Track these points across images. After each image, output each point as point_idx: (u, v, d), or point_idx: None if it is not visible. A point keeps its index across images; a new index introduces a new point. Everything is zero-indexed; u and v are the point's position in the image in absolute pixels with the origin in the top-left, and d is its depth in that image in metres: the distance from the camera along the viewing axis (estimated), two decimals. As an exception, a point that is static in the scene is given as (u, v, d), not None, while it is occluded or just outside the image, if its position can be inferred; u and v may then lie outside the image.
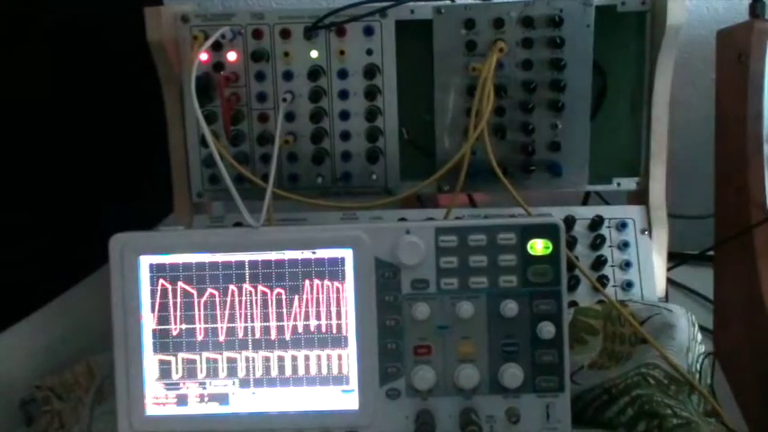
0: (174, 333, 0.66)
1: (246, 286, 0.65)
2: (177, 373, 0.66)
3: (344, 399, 0.65)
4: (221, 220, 0.92)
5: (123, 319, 0.65)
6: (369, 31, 0.86)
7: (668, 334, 0.72)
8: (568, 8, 0.83)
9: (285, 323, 0.65)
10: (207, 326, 0.65)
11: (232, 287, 0.65)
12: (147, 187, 1.01)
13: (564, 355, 0.63)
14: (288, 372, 0.65)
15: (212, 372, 0.66)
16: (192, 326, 0.65)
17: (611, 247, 0.88)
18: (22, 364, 0.77)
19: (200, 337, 0.65)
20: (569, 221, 0.88)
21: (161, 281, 0.65)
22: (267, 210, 0.67)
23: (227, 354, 0.66)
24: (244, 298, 0.65)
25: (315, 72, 0.87)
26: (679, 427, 0.62)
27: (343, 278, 0.65)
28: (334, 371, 0.65)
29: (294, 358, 0.65)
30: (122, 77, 0.97)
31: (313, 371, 0.65)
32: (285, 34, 0.87)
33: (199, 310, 0.65)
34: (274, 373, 0.65)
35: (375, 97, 0.88)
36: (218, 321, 0.65)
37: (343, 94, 0.88)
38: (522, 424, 0.63)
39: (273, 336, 0.65)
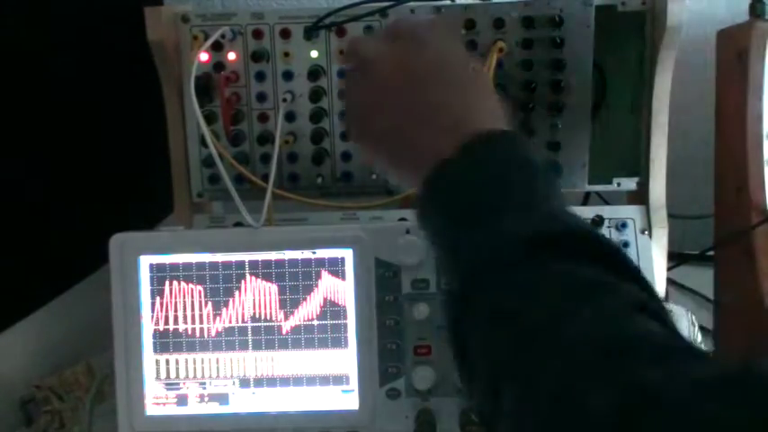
0: (174, 333, 0.66)
1: (246, 286, 0.65)
2: (177, 373, 0.66)
3: (344, 399, 0.65)
4: (221, 220, 0.92)
5: (123, 319, 0.65)
6: (369, 31, 0.86)
7: (668, 334, 0.72)
8: (568, 8, 0.83)
9: (285, 323, 0.65)
10: (207, 326, 0.65)
11: (232, 287, 0.65)
12: (147, 187, 1.01)
13: (564, 355, 0.63)
14: (288, 372, 0.65)
15: (212, 372, 0.66)
16: (192, 326, 0.65)
17: (611, 247, 0.88)
18: (22, 364, 0.77)
19: (200, 337, 0.65)
20: (569, 221, 0.88)
21: (161, 281, 0.65)
22: (267, 210, 0.67)
23: (227, 354, 0.66)
24: (244, 298, 0.65)
25: (315, 72, 0.87)
26: (679, 427, 0.62)
27: (344, 278, 0.65)
28: (335, 371, 0.65)
29: (294, 358, 0.65)
30: (123, 77, 0.97)
31: (313, 371, 0.65)
32: (285, 34, 0.87)
33: (199, 310, 0.65)
34: (274, 373, 0.65)
35: (375, 97, 0.87)
36: (218, 321, 0.65)
37: (344, 94, 0.88)
38: (522, 424, 0.63)
39: (273, 336, 0.65)
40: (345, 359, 0.65)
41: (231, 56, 0.87)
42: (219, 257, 0.65)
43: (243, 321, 0.65)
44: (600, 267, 0.39)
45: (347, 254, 0.64)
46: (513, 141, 0.47)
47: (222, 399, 0.66)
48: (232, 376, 0.66)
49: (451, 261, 0.45)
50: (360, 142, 0.55)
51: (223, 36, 0.86)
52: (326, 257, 0.65)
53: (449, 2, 0.87)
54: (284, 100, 0.87)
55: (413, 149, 0.48)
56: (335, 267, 0.65)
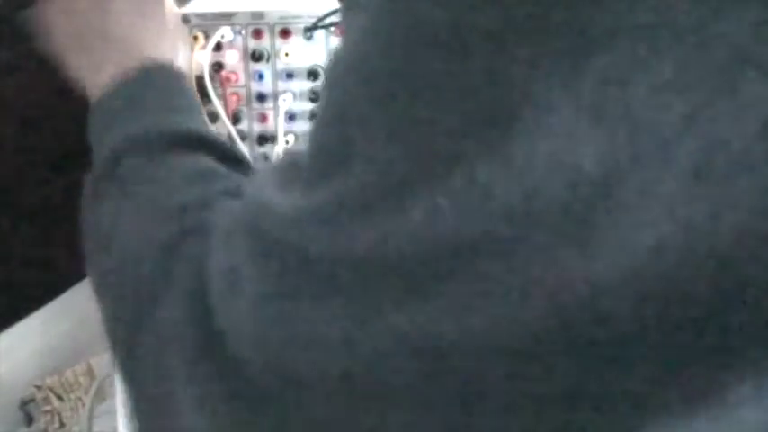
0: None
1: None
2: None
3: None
4: (221, 220, 0.92)
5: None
6: (369, 31, 0.86)
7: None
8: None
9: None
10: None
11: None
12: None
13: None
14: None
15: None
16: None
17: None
18: (22, 364, 0.77)
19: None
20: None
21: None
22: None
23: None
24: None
25: (315, 72, 0.87)
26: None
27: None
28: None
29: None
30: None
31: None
32: (285, 34, 0.87)
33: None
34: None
35: (375, 97, 0.87)
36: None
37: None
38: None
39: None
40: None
41: (231, 56, 0.88)
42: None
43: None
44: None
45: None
46: (165, 74, 0.54)
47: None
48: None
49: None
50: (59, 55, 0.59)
51: (222, 36, 0.86)
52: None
53: None
54: (284, 100, 0.87)
55: (95, 70, 0.54)
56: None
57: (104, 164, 0.45)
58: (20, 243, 0.78)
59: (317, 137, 0.26)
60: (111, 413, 0.66)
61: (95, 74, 0.53)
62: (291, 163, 0.29)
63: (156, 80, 0.53)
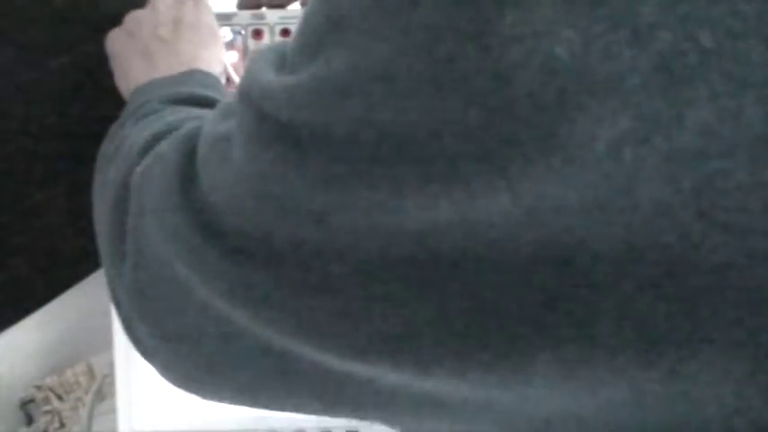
0: (174, 333, 0.65)
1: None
2: (177, 373, 0.66)
3: (344, 399, 0.65)
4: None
5: (123, 319, 0.65)
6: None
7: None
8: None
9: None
10: (207, 326, 0.65)
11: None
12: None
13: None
14: (288, 372, 0.65)
15: (212, 372, 0.66)
16: (192, 326, 0.65)
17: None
18: (22, 364, 0.77)
19: (200, 337, 0.65)
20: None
21: (161, 281, 0.65)
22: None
23: (227, 354, 0.65)
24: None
25: (315, 72, 0.87)
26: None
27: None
28: (335, 371, 0.65)
29: (294, 358, 0.65)
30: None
31: (313, 371, 0.65)
32: (285, 34, 0.87)
33: (199, 310, 0.65)
34: (274, 372, 0.65)
35: (375, 97, 0.87)
36: (219, 321, 0.65)
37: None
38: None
39: (273, 336, 0.65)
40: (345, 359, 0.65)
41: (231, 56, 0.87)
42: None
43: (243, 321, 0.65)
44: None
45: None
46: (208, 76, 0.63)
47: (222, 399, 0.66)
48: (232, 376, 0.66)
49: None
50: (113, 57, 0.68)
51: (223, 36, 0.86)
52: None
53: None
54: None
55: (148, 69, 0.63)
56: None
57: (128, 110, 0.56)
58: (20, 242, 0.78)
59: (306, 17, 0.27)
60: (111, 413, 0.66)
61: (146, 73, 0.61)
62: (285, 45, 0.30)
63: (196, 77, 0.61)
